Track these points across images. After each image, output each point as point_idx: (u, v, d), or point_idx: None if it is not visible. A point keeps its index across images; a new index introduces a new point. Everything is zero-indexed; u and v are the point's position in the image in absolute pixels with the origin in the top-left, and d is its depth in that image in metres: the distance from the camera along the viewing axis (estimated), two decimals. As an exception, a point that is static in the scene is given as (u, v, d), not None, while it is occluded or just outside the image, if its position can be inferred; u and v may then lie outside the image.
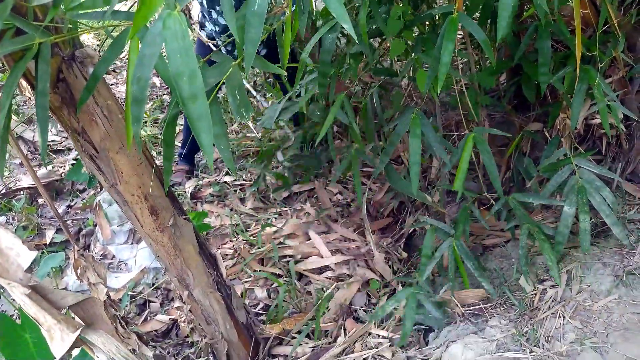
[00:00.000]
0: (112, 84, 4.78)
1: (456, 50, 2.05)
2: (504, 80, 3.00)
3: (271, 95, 3.98)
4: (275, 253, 2.62)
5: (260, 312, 2.48)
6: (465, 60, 3.13)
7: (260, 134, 3.65)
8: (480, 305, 1.95)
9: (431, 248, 1.96)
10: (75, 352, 1.03)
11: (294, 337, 2.23)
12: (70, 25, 1.13)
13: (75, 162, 3.52)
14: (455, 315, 2.00)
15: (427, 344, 2.01)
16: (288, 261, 2.65)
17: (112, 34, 1.23)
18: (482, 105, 2.29)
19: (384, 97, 3.40)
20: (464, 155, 1.81)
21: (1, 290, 2.58)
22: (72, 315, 1.18)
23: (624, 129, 2.24)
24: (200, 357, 2.19)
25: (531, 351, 1.60)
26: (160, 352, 2.33)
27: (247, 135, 3.73)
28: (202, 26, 2.92)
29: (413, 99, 3.18)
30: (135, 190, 1.42)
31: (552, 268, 1.75)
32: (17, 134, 3.67)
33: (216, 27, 2.81)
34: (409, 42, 2.01)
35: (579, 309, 1.72)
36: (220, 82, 1.11)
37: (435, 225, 1.96)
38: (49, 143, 3.83)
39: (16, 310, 2.49)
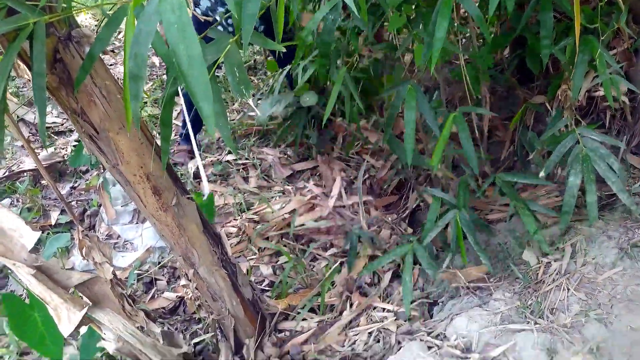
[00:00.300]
0: (110, 65, 4.74)
1: (456, 24, 2.01)
2: (507, 52, 2.95)
3: (272, 73, 3.94)
4: (292, 227, 2.63)
5: (266, 288, 2.50)
6: (468, 34, 3.08)
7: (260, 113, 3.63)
8: (484, 278, 1.96)
9: (435, 216, 1.96)
10: (83, 330, 1.04)
11: (299, 313, 2.26)
12: (65, 5, 1.11)
13: (77, 144, 3.51)
14: (460, 289, 2.02)
15: (431, 317, 2.03)
16: (295, 238, 2.66)
17: (108, 13, 1.21)
18: (484, 80, 2.27)
19: (384, 72, 3.37)
20: (444, 133, 1.79)
21: (9, 271, 2.61)
22: (79, 294, 1.19)
23: (629, 102, 2.21)
24: (207, 333, 2.21)
25: (536, 323, 1.61)
26: (168, 328, 2.36)
27: (249, 114, 3.71)
28: (196, 4, 2.87)
29: (415, 74, 3.15)
30: (137, 171, 1.42)
31: (541, 242, 1.76)
32: (18, 116, 3.66)
33: (211, 2, 2.76)
34: (408, 16, 1.97)
35: (584, 282, 1.72)
36: (219, 60, 1.09)
37: (440, 196, 1.95)
38: (49, 125, 3.82)
39: (25, 290, 2.52)
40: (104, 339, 1.06)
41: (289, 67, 2.46)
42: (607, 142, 1.74)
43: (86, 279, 1.05)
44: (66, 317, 0.97)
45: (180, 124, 3.43)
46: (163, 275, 2.64)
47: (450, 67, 3.12)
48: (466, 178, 1.99)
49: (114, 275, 1.44)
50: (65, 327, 0.97)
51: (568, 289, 1.71)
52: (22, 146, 3.62)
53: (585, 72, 1.82)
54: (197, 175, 3.19)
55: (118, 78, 3.73)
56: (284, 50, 1.05)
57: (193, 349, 2.23)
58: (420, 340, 1.74)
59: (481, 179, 2.60)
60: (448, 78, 2.96)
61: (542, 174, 1.75)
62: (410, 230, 2.69)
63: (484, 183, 2.02)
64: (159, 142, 1.38)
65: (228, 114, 3.81)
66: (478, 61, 2.13)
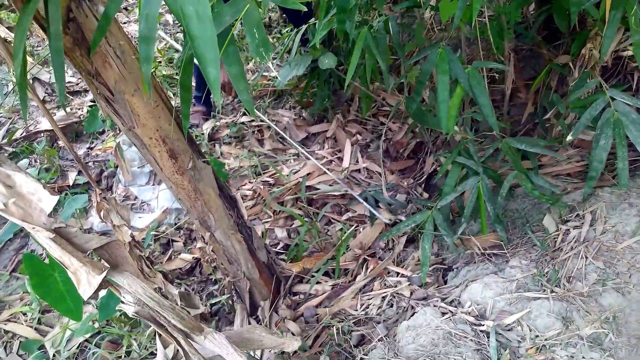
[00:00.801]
0: (124, 23, 4.67)
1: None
2: (532, 8, 2.83)
3: (287, 31, 3.85)
4: (303, 191, 2.62)
5: (281, 251, 2.52)
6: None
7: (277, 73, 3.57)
8: (500, 245, 1.95)
9: (454, 181, 1.93)
10: (102, 293, 1.06)
11: (314, 276, 2.27)
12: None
13: (92, 104, 3.51)
14: (474, 256, 2.01)
15: (445, 283, 2.03)
16: (309, 202, 2.66)
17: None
18: (508, 38, 2.18)
19: (403, 31, 3.27)
20: (457, 91, 1.73)
21: (29, 231, 2.66)
22: (98, 257, 1.20)
23: (659, 64, 2.12)
24: (223, 295, 2.25)
25: (552, 291, 1.60)
26: (185, 289, 2.40)
27: (264, 74, 3.65)
28: None
29: (435, 32, 3.05)
30: (153, 134, 1.41)
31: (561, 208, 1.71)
32: (32, 75, 3.65)
33: None
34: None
35: (602, 250, 1.70)
36: (238, 19, 1.05)
37: (462, 163, 1.92)
38: (65, 85, 3.81)
39: (44, 250, 2.58)
40: (123, 302, 1.07)
41: (305, 26, 2.39)
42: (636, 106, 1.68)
43: (105, 242, 1.06)
44: (85, 280, 0.98)
45: (195, 85, 3.40)
46: (179, 236, 2.67)
47: (470, 23, 3.01)
48: (464, 143, 1.94)
49: (132, 237, 1.46)
50: (85, 291, 0.98)
51: (586, 257, 1.69)
52: (39, 106, 3.62)
53: (618, 30, 1.73)
54: (212, 137, 3.18)
55: (132, 37, 3.68)
56: (304, 9, 1.00)
57: (209, 310, 2.28)
58: (434, 306, 1.75)
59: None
60: (468, 37, 2.86)
61: (569, 137, 1.69)
62: (426, 195, 2.66)
63: (489, 148, 1.97)
64: (174, 103, 1.36)
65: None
66: (506, 16, 2.04)
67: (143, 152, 1.47)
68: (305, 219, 2.56)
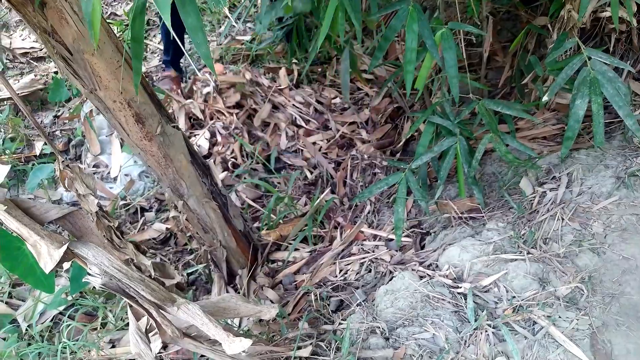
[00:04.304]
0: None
1: None
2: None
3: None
4: (272, 161, 2.57)
5: (255, 216, 2.48)
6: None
7: (250, 37, 3.46)
8: (477, 208, 1.94)
9: (428, 140, 1.90)
10: (67, 265, 1.01)
11: (291, 244, 2.25)
12: None
13: (56, 73, 3.35)
14: (452, 220, 2.00)
15: (422, 248, 2.03)
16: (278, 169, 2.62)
17: None
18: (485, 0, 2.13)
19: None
20: (429, 53, 1.68)
21: (-5, 203, 2.56)
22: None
23: (637, 24, 2.10)
24: (200, 264, 2.21)
25: (528, 253, 1.60)
26: (160, 259, 2.36)
27: (236, 38, 3.53)
28: None
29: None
30: (117, 96, 1.33)
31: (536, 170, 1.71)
32: (-10, 41, 3.46)
33: None
34: None
35: (579, 211, 1.71)
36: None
37: (438, 123, 1.88)
38: (27, 50, 3.63)
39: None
40: (90, 274, 1.02)
41: None
42: (611, 65, 1.66)
43: (66, 212, 1.00)
44: (46, 253, 0.93)
45: (162, 49, 3.26)
46: (150, 206, 2.61)
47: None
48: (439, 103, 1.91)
49: (100, 207, 1.39)
50: (47, 264, 0.93)
51: (562, 219, 1.69)
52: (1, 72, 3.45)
53: (597, -11, 1.69)
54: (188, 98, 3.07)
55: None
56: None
57: (186, 280, 2.24)
58: (412, 270, 1.74)
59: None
60: (446, -1, 2.80)
61: (545, 97, 1.67)
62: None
63: (464, 109, 1.94)
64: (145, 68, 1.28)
65: (216, 38, 3.62)
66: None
67: (107, 117, 1.40)
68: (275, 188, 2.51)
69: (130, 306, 1.21)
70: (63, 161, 1.35)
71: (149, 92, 1.43)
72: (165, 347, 1.46)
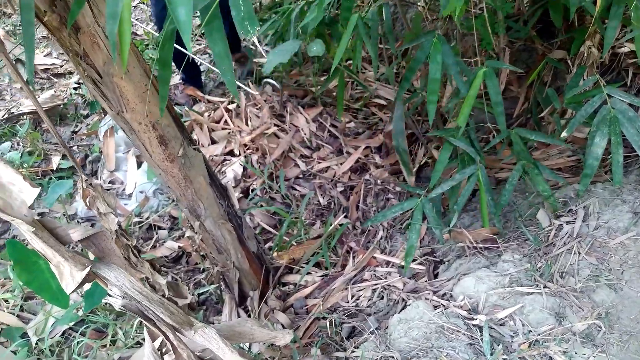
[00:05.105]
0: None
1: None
2: (527, 2, 2.81)
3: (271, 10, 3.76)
4: (282, 185, 2.58)
5: (267, 237, 2.47)
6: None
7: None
8: (493, 238, 1.94)
9: (443, 165, 1.91)
10: (87, 286, 1.02)
11: (303, 267, 2.24)
12: None
13: (78, 85, 3.42)
14: (466, 249, 2.00)
15: (435, 277, 2.02)
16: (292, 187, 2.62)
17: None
18: (501, 32, 2.16)
19: (397, 20, 3.22)
20: (472, 91, 1.72)
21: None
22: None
23: (657, 60, 2.12)
24: (211, 284, 2.21)
25: (545, 286, 1.59)
26: (172, 277, 2.36)
27: (254, 61, 3.58)
28: None
29: (427, 23, 3.00)
30: (143, 119, 1.35)
31: (553, 205, 1.71)
32: (15, 56, 3.53)
33: None
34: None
35: (595, 246, 1.69)
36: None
37: (462, 147, 1.88)
38: (48, 66, 3.70)
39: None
40: (110, 295, 1.03)
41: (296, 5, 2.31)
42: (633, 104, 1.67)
43: (90, 233, 1.01)
44: (68, 274, 0.94)
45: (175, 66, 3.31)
46: (164, 222, 2.62)
47: (466, 15, 2.98)
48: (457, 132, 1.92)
49: (119, 226, 1.41)
50: (68, 285, 0.94)
51: (579, 253, 1.68)
52: (21, 88, 3.51)
53: (619, 26, 1.71)
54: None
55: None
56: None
57: (197, 299, 2.24)
58: (426, 299, 1.73)
59: (491, 136, 2.54)
60: (462, 30, 2.83)
61: (564, 134, 1.68)
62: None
63: (494, 138, 1.95)
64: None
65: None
66: (499, 8, 2.01)
67: (132, 138, 1.42)
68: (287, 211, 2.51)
69: (146, 327, 1.21)
70: (86, 180, 1.37)
71: (172, 114, 1.45)
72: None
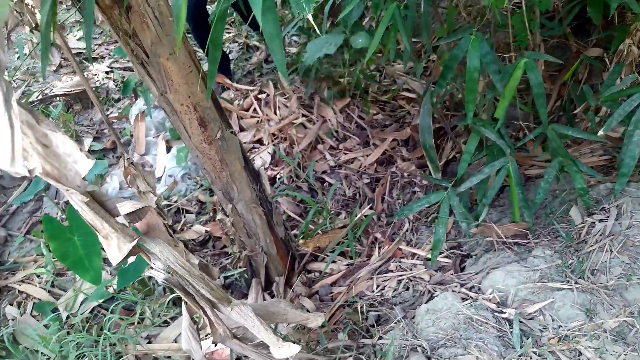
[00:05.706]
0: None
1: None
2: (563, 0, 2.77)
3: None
4: (310, 173, 2.60)
5: (292, 224, 2.50)
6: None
7: (296, 49, 3.52)
8: (524, 234, 1.93)
9: (470, 156, 1.90)
10: (131, 259, 1.05)
11: (328, 255, 2.26)
12: None
13: (109, 70, 3.47)
14: (494, 244, 1.99)
15: (462, 270, 2.02)
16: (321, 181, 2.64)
17: None
18: (535, 28, 2.14)
19: (428, 13, 3.20)
20: (512, 83, 1.70)
21: (44, 194, 2.65)
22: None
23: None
24: (236, 268, 2.24)
25: (576, 283, 1.58)
26: (200, 261, 2.40)
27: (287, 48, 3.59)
28: None
29: (461, 16, 2.98)
30: (185, 100, 1.38)
31: (587, 202, 1.70)
32: (53, 39, 3.60)
33: None
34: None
35: (628, 244, 1.68)
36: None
37: (493, 139, 1.87)
38: (81, 50, 3.77)
39: (58, 213, 2.57)
40: (152, 268, 1.06)
41: None
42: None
43: (139, 207, 1.04)
44: (116, 245, 0.96)
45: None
46: (192, 207, 2.66)
47: (499, 9, 2.95)
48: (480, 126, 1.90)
49: (157, 205, 1.44)
50: (115, 256, 0.96)
51: (611, 251, 1.67)
52: (54, 70, 3.59)
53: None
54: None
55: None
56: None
57: (222, 283, 2.28)
58: (453, 291, 1.73)
59: (520, 133, 2.52)
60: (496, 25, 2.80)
61: (601, 132, 1.66)
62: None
63: (531, 133, 1.94)
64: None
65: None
66: (535, 4, 1.99)
67: (173, 119, 1.45)
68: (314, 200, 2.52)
69: (185, 303, 1.24)
70: (128, 158, 1.40)
71: (213, 97, 1.48)
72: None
